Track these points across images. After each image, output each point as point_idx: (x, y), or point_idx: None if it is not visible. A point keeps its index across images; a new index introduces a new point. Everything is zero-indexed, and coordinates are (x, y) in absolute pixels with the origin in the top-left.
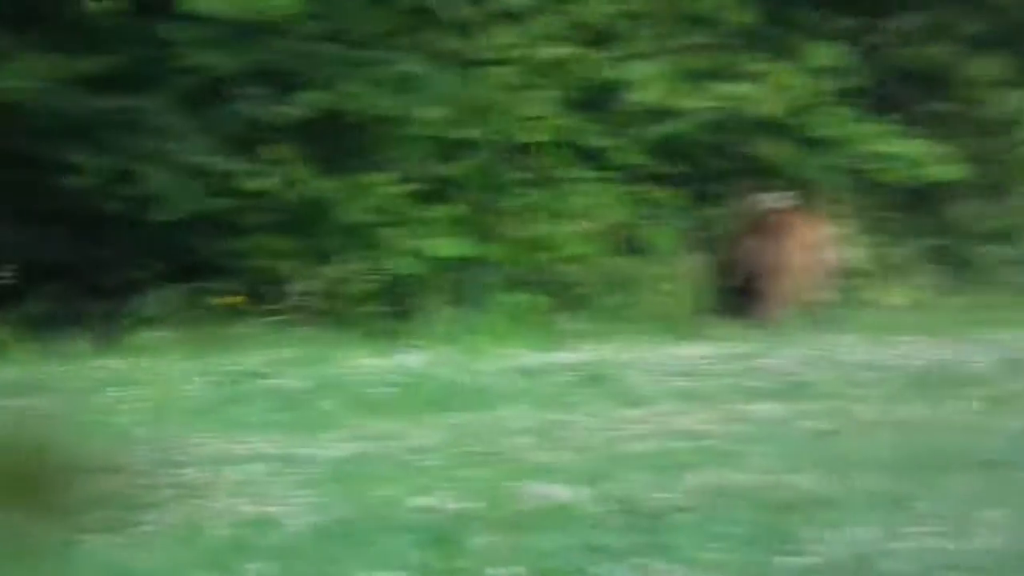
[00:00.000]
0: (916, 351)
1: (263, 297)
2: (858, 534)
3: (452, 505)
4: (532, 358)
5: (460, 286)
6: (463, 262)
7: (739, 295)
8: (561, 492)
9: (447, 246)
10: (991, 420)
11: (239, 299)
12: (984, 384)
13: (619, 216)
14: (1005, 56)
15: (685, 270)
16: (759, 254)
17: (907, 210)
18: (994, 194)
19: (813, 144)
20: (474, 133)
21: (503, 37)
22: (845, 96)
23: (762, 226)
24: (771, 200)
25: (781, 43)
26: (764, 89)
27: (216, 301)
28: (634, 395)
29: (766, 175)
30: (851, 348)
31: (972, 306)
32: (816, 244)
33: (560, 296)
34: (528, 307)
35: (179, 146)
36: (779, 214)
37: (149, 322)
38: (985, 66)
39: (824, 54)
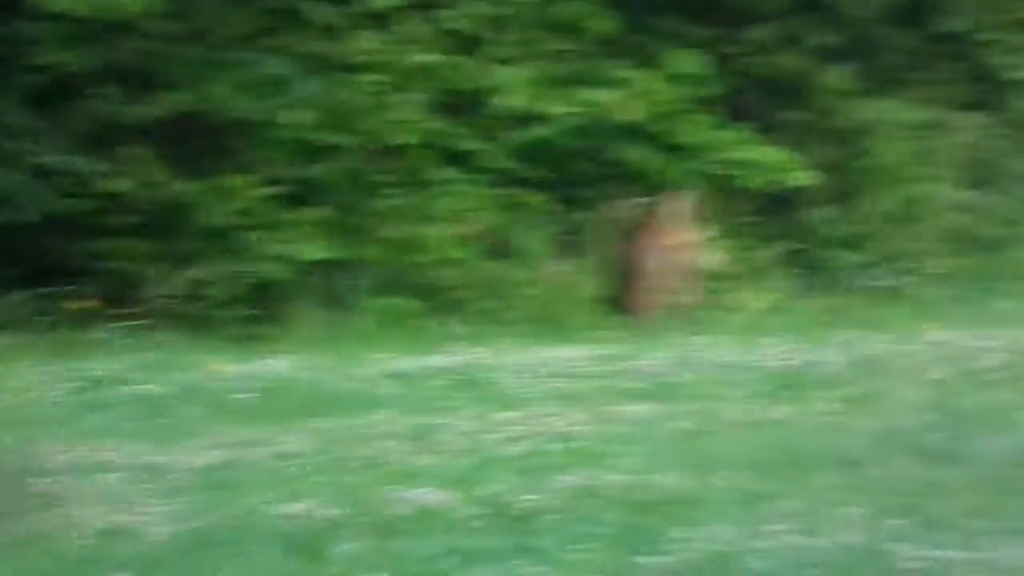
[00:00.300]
0: (777, 353)
1: (121, 301)
2: (721, 533)
3: (320, 512)
4: (404, 362)
5: (328, 290)
6: (330, 265)
7: (612, 298)
8: (431, 496)
9: (313, 249)
10: (847, 419)
11: (94, 303)
12: (840, 385)
13: (489, 220)
14: (855, 66)
15: (555, 274)
16: (630, 258)
17: (765, 215)
18: (846, 201)
19: (675, 150)
20: (340, 137)
21: (370, 41)
22: (704, 103)
23: (632, 230)
24: (639, 205)
25: (643, 51)
26: (627, 95)
27: (70, 306)
28: (507, 398)
29: (632, 180)
30: (717, 350)
31: (827, 309)
32: (683, 248)
33: (432, 299)
34: (399, 311)
35: (30, 146)
36: (648, 219)
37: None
38: (836, 76)
39: (684, 62)
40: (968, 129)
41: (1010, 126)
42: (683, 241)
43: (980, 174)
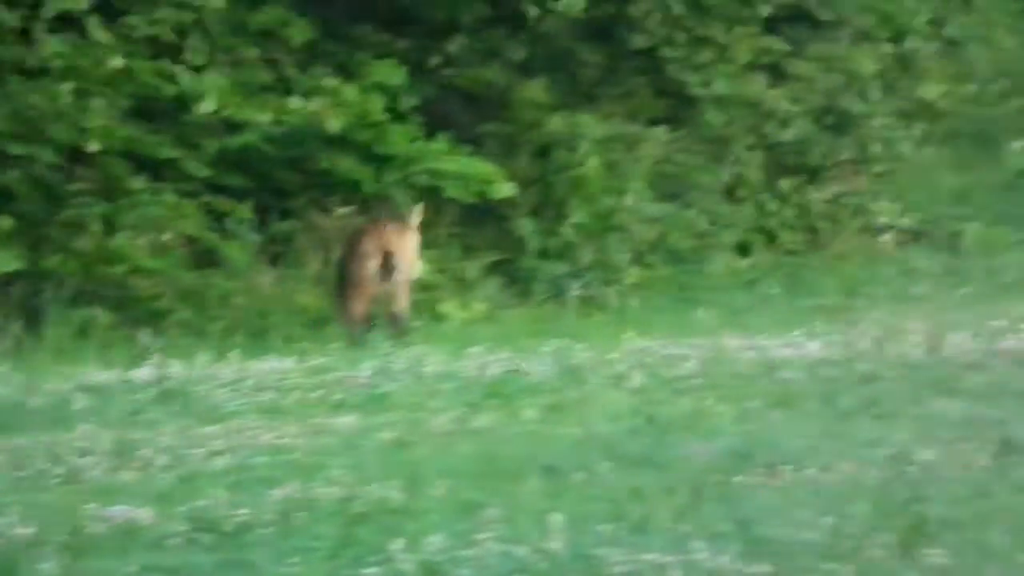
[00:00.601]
0: (484, 362)
1: None
2: (433, 542)
3: (16, 531)
4: (101, 376)
5: (18, 302)
6: (20, 277)
7: (324, 308)
8: (133, 513)
9: (1, 260)
10: (552, 427)
11: None
12: (545, 393)
13: (190, 229)
14: (551, 80)
15: (262, 284)
16: (346, 267)
17: (470, 226)
18: (548, 212)
19: (379, 160)
20: (27, 145)
21: (59, 46)
22: (406, 114)
23: (347, 239)
24: (347, 214)
25: (342, 60)
26: (328, 104)
27: None
28: (213, 411)
29: (337, 189)
30: (425, 360)
31: (532, 319)
32: (396, 258)
33: (129, 311)
34: (94, 323)
35: None
36: (362, 228)
37: None
38: (533, 89)
39: (385, 72)
40: (659, 143)
41: (699, 140)
42: (397, 251)
43: (672, 187)
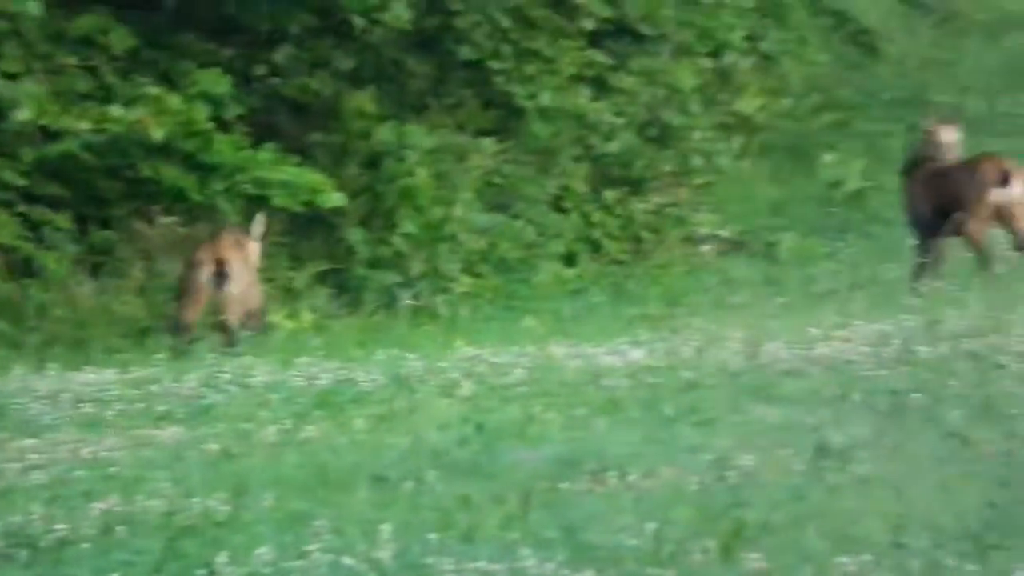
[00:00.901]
0: (313, 372)
1: None
2: (261, 555)
3: None
4: None
5: None
6: None
7: (153, 318)
8: None
9: None
10: (381, 437)
11: None
12: (374, 402)
13: (6, 239)
14: (379, 91)
15: (80, 294)
16: (183, 276)
17: (299, 236)
18: (377, 222)
19: (205, 169)
20: None
21: None
22: (232, 123)
23: (178, 248)
24: (173, 224)
25: (166, 68)
26: (150, 113)
27: None
28: (30, 425)
29: (160, 199)
30: (255, 370)
31: (362, 328)
32: (229, 267)
33: None
34: None
35: None
36: (196, 237)
37: None
38: (362, 100)
39: (209, 81)
40: (487, 154)
41: (527, 152)
42: (231, 260)
43: (500, 198)
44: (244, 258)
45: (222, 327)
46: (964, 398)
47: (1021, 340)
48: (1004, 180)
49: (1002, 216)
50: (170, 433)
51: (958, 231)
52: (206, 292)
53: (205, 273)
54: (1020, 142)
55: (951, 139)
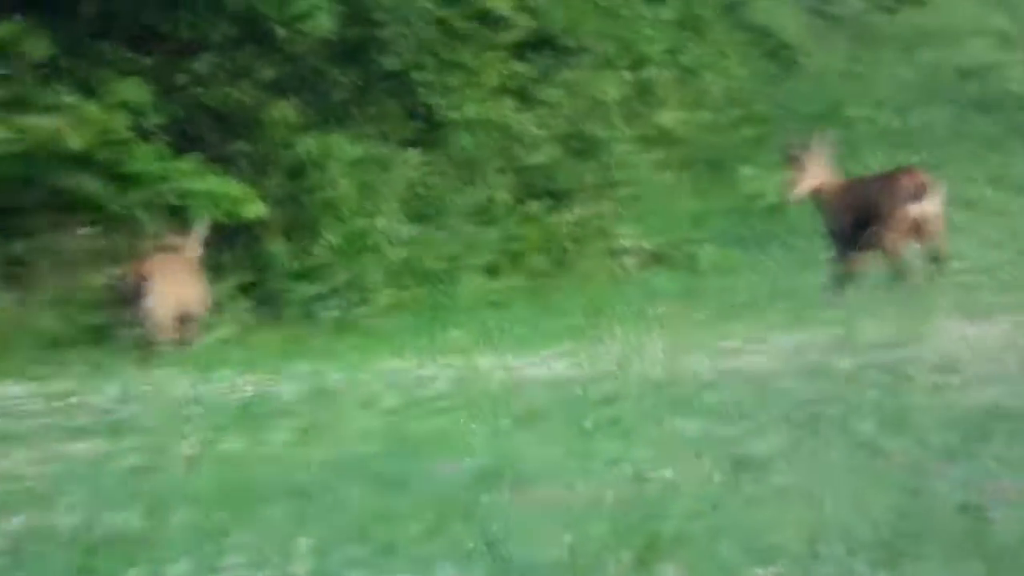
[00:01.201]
0: (232, 385)
1: None
2: (177, 570)
3: None
4: None
5: None
6: None
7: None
8: None
9: None
10: (301, 450)
11: None
12: (295, 415)
13: None
14: (301, 101)
15: None
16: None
17: (220, 247)
18: (299, 233)
19: (124, 179)
20: None
21: None
22: (152, 132)
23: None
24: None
25: (85, 77)
26: (68, 122)
27: None
28: None
29: (78, 209)
30: (173, 383)
31: (283, 340)
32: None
33: None
34: None
35: None
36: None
37: None
38: (284, 109)
39: (129, 90)
40: (411, 165)
41: (451, 163)
42: (158, 272)
43: (424, 209)
44: (175, 270)
45: (143, 340)
46: (877, 409)
47: (933, 352)
48: (921, 194)
49: (918, 229)
50: (86, 447)
51: (875, 244)
52: (128, 306)
53: (130, 287)
54: (934, 155)
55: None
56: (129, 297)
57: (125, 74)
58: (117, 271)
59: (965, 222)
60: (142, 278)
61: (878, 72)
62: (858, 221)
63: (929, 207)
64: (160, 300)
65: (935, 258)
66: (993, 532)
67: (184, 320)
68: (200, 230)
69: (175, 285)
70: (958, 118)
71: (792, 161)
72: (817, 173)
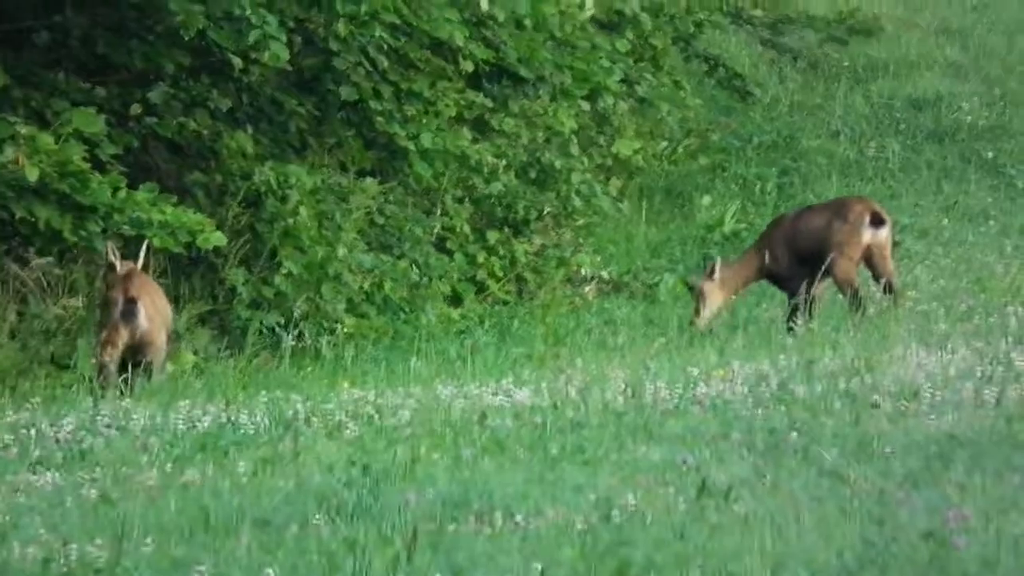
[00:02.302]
0: (197, 415)
1: None
2: None
3: None
4: None
5: None
6: None
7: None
8: None
9: None
10: (264, 480)
11: None
12: (258, 445)
13: None
14: (259, 131)
15: None
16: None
17: (179, 277)
18: (259, 262)
19: (81, 209)
20: None
21: None
22: (109, 163)
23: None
24: (46, 264)
25: (39, 107)
26: (22, 152)
27: None
28: None
29: (34, 240)
30: (134, 413)
31: (245, 370)
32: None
33: None
34: None
35: None
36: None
37: None
38: (241, 139)
39: (83, 120)
40: (368, 194)
41: (409, 192)
42: (145, 293)
43: (383, 238)
44: (131, 297)
45: (106, 370)
46: (840, 437)
47: (892, 379)
48: (875, 222)
49: (871, 257)
50: (47, 479)
51: (828, 271)
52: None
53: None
54: (888, 185)
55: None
56: (117, 319)
57: (79, 104)
58: (103, 294)
59: (920, 251)
60: (132, 299)
61: (832, 103)
62: (811, 251)
63: (882, 235)
64: (151, 321)
65: (886, 287)
66: (957, 559)
67: (169, 341)
68: (143, 253)
69: (162, 307)
70: (911, 148)
71: (692, 291)
72: (717, 292)
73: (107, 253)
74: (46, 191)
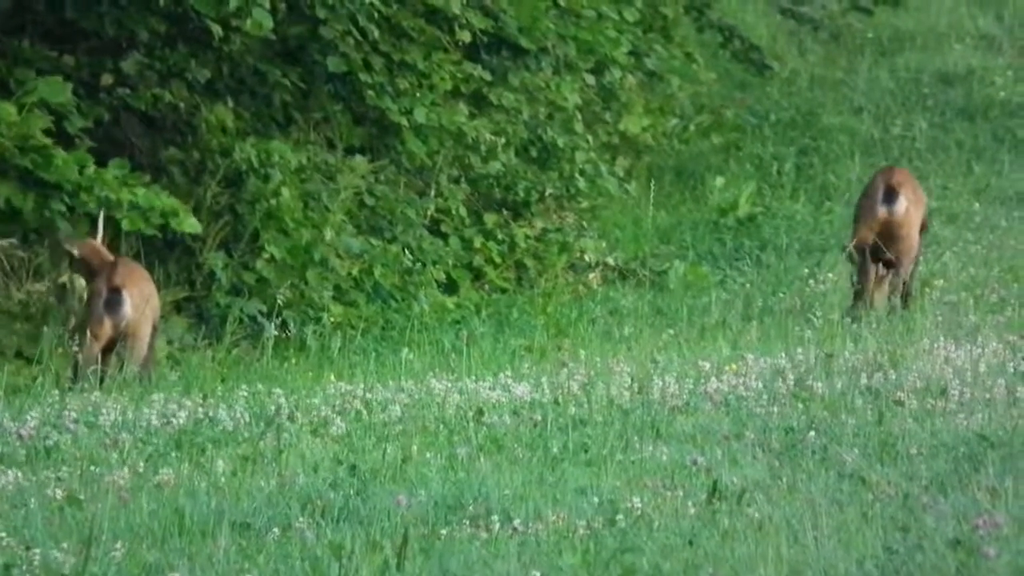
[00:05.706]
0: (172, 410)
1: None
2: None
3: None
4: None
5: None
6: None
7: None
8: None
9: None
10: (245, 480)
11: None
12: (238, 442)
13: None
14: (240, 105)
15: None
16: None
17: (153, 260)
18: (240, 245)
19: (44, 187)
20: None
21: None
22: (77, 137)
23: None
24: (10, 247)
25: (2, 77)
26: None
27: None
28: None
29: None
30: (103, 408)
31: (224, 361)
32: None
33: None
34: None
35: None
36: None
37: None
38: (220, 113)
39: (49, 90)
40: (357, 173)
41: (402, 171)
42: (130, 281)
43: (374, 220)
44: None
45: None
46: (861, 436)
47: (918, 375)
48: (888, 196)
49: (882, 236)
50: (9, 477)
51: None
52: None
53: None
54: (915, 166)
55: None
56: (101, 312)
57: (45, 73)
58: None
59: (948, 237)
60: (115, 288)
61: (855, 78)
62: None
63: (899, 209)
64: (137, 311)
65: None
66: (987, 569)
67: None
68: (100, 227)
69: (149, 296)
70: (940, 127)
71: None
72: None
73: (64, 243)
74: (6, 166)
